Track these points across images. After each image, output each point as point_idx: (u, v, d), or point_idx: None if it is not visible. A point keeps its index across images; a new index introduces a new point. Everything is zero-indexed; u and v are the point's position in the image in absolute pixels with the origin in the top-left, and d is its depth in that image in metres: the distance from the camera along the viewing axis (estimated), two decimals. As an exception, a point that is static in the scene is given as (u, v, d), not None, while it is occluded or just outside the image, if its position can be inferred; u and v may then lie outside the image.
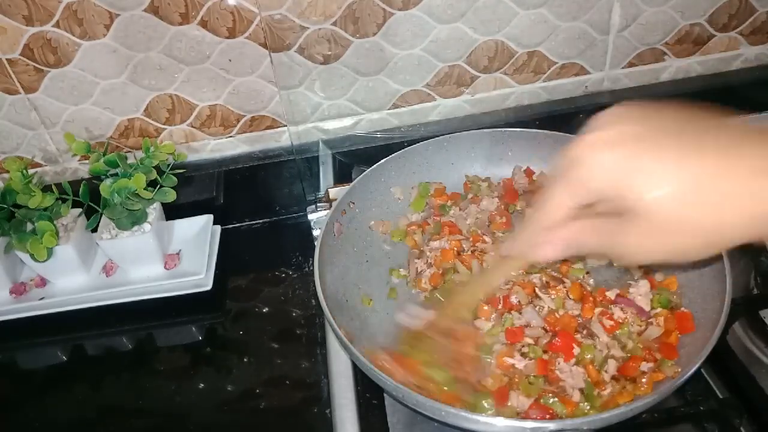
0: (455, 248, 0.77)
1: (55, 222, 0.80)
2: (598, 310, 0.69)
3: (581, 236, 0.44)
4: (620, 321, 0.68)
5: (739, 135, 0.37)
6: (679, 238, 0.38)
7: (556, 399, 0.61)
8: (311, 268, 0.71)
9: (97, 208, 0.83)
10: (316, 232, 0.90)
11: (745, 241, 0.37)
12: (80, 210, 0.85)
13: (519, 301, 0.70)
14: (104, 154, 0.81)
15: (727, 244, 0.38)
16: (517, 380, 0.64)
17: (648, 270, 0.73)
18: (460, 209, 0.84)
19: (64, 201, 0.82)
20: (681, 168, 0.36)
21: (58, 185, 0.81)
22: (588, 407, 0.61)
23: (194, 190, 0.94)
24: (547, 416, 0.60)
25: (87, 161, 0.82)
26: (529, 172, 0.87)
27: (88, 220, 0.84)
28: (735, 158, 0.36)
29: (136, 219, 0.84)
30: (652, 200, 0.37)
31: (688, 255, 0.39)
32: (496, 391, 0.62)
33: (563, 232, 0.44)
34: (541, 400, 0.62)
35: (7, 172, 0.80)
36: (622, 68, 0.95)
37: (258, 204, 0.99)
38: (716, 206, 0.36)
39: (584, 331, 0.67)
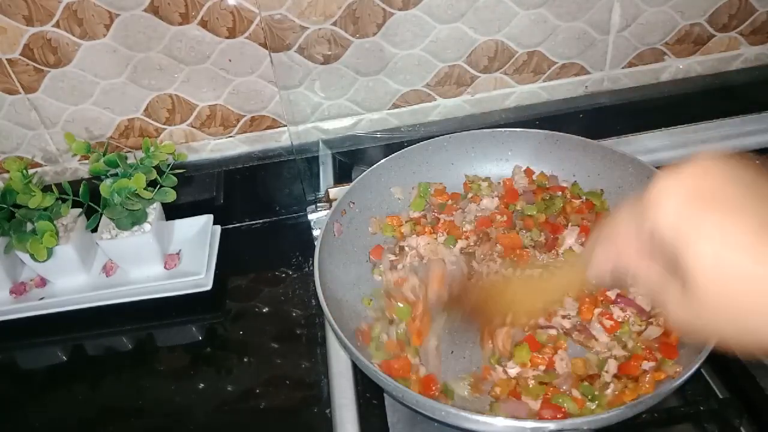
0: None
1: (55, 222, 0.80)
2: (597, 310, 0.69)
3: (637, 276, 0.43)
4: (620, 321, 0.68)
5: None
6: (715, 315, 0.36)
7: (566, 397, 0.62)
8: (311, 268, 0.71)
9: (97, 208, 0.83)
10: (316, 232, 0.90)
11: None
12: (80, 210, 0.85)
13: None
14: (104, 154, 0.81)
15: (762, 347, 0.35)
16: (520, 384, 0.64)
17: None
18: (459, 208, 0.85)
19: (64, 201, 0.82)
20: (742, 247, 0.33)
21: (58, 185, 0.81)
22: (594, 405, 0.61)
23: (194, 190, 0.94)
24: (559, 416, 0.60)
25: (87, 161, 0.82)
26: (529, 172, 0.87)
27: (88, 220, 0.84)
28: None
29: (136, 219, 0.84)
30: (699, 262, 0.35)
31: (724, 339, 0.37)
32: (510, 395, 0.63)
33: (624, 266, 0.43)
34: (551, 400, 0.62)
35: (7, 172, 0.80)
36: (622, 68, 0.95)
37: (258, 204, 0.99)
38: (761, 302, 0.33)
39: (581, 335, 0.67)
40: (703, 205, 0.35)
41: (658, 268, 0.40)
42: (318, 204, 0.92)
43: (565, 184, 0.85)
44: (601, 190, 0.83)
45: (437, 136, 0.86)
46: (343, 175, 0.94)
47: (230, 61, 0.85)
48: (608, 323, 0.67)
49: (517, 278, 0.70)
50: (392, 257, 0.79)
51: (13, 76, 0.82)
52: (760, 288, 0.33)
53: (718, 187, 0.36)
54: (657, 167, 0.77)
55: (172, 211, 0.90)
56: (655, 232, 0.37)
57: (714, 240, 0.34)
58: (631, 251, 0.42)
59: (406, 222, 0.83)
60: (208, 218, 0.93)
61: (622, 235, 0.42)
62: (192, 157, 0.93)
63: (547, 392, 0.63)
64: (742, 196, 0.35)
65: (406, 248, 0.80)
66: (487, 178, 0.87)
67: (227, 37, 0.82)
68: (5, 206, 0.79)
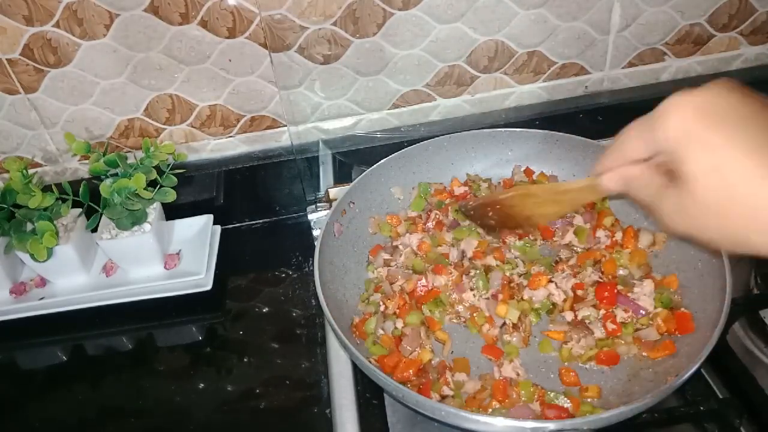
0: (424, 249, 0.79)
1: (55, 222, 0.80)
2: (602, 311, 0.69)
3: (637, 181, 0.45)
4: (623, 323, 0.68)
5: None
6: (706, 223, 0.39)
7: (561, 395, 0.62)
8: (311, 268, 0.71)
9: (97, 208, 0.83)
10: (316, 232, 0.90)
11: None
12: (80, 210, 0.85)
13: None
14: (104, 154, 0.81)
15: (750, 251, 0.38)
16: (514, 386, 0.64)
17: (649, 271, 0.73)
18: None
19: (64, 201, 0.82)
20: (739, 160, 0.36)
21: (58, 185, 0.81)
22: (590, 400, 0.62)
23: (194, 190, 0.94)
24: (564, 415, 0.60)
25: (87, 161, 0.82)
26: (528, 172, 0.87)
27: (88, 220, 0.84)
28: None
29: (136, 219, 0.84)
30: (697, 173, 0.38)
31: (712, 243, 0.40)
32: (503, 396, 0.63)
33: (626, 170, 0.46)
34: (545, 399, 0.62)
35: (7, 172, 0.80)
36: (622, 68, 0.95)
37: (258, 204, 0.99)
38: (752, 212, 0.36)
39: (580, 333, 0.67)
40: (709, 120, 0.38)
41: (659, 177, 0.43)
42: (318, 204, 0.92)
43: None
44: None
45: (437, 136, 0.86)
46: (343, 175, 0.94)
47: (230, 61, 0.85)
48: (611, 326, 0.67)
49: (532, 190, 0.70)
50: (387, 256, 0.79)
51: (13, 76, 0.82)
52: (753, 202, 0.36)
53: (726, 107, 0.38)
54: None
55: (172, 211, 0.90)
56: (662, 141, 0.40)
57: (716, 152, 0.37)
58: (637, 157, 0.45)
59: (404, 221, 0.83)
60: (208, 218, 0.93)
61: (630, 143, 0.44)
62: (192, 157, 0.93)
63: (540, 394, 0.63)
64: (748, 117, 0.38)
65: (400, 247, 0.80)
66: (487, 179, 0.87)
67: (227, 37, 0.82)
68: (5, 206, 0.79)
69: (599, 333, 0.67)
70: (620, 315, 0.68)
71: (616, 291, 0.70)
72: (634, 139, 0.44)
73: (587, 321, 0.69)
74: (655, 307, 0.69)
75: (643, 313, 0.68)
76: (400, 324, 0.71)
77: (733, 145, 0.37)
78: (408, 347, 0.68)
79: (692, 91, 0.39)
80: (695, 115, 0.38)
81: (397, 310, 0.72)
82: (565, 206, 0.63)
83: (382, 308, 0.73)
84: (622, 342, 0.67)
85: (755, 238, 0.37)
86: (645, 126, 0.42)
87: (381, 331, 0.70)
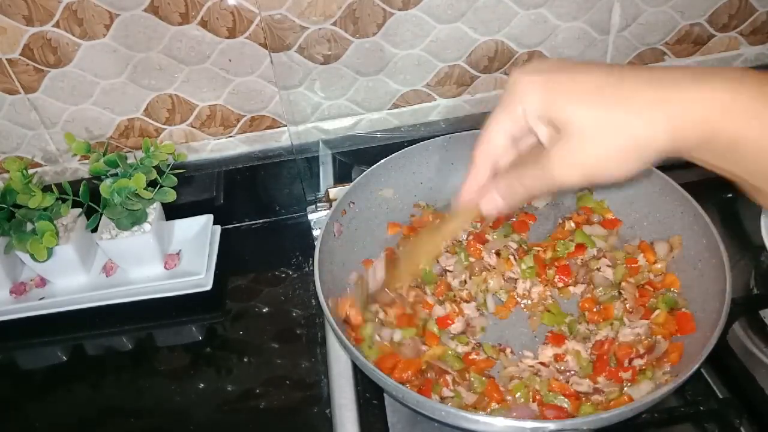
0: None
1: (55, 222, 0.80)
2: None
3: (519, 177, 0.47)
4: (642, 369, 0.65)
5: (649, 69, 0.42)
6: (595, 150, 0.41)
7: (559, 395, 0.62)
8: (311, 268, 0.71)
9: (97, 208, 0.83)
10: (316, 232, 0.90)
11: (660, 155, 0.41)
12: (80, 210, 0.85)
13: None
14: (104, 154, 0.81)
15: (642, 159, 0.41)
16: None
17: (648, 312, 0.70)
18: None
19: (64, 201, 0.82)
20: (597, 87, 0.41)
21: (58, 185, 0.81)
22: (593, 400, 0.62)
23: (194, 190, 0.94)
24: (563, 415, 0.60)
25: (87, 161, 0.82)
26: None
27: (88, 220, 0.84)
28: (647, 82, 0.40)
29: (136, 219, 0.84)
30: (572, 112, 0.41)
31: (608, 169, 0.42)
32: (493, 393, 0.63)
33: (503, 178, 0.48)
34: (544, 400, 0.62)
35: (7, 172, 0.80)
36: (622, 68, 0.95)
37: (258, 204, 0.99)
38: (626, 120, 0.40)
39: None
40: (557, 72, 0.42)
41: (531, 155, 0.46)
42: (318, 204, 0.92)
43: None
44: (589, 190, 0.84)
45: (437, 136, 0.86)
46: (343, 175, 0.94)
47: (230, 61, 0.85)
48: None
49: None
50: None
51: (13, 76, 0.82)
52: (621, 114, 0.40)
53: (560, 66, 0.43)
54: (657, 167, 0.77)
55: (172, 211, 0.90)
56: (532, 121, 0.44)
57: (576, 89, 0.41)
58: (505, 154, 0.48)
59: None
60: (208, 218, 0.93)
61: (497, 143, 0.48)
62: (192, 157, 0.93)
63: (536, 394, 0.63)
64: (580, 66, 0.43)
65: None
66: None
67: (227, 37, 0.82)
68: (5, 206, 0.79)
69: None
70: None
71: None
72: (501, 126, 0.47)
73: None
74: (658, 308, 0.69)
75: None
76: (398, 335, 0.70)
77: (587, 78, 0.41)
78: (407, 353, 0.68)
79: (521, 69, 0.44)
80: (545, 82, 0.42)
81: (395, 320, 0.71)
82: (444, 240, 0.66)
83: (381, 316, 0.72)
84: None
85: (646, 140, 0.40)
86: (506, 108, 0.45)
87: (378, 338, 0.70)
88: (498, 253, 0.77)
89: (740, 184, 0.41)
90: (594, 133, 0.41)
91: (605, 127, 0.40)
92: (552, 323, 0.71)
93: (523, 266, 0.75)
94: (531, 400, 0.63)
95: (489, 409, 0.62)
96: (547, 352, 0.67)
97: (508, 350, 0.69)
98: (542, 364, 0.66)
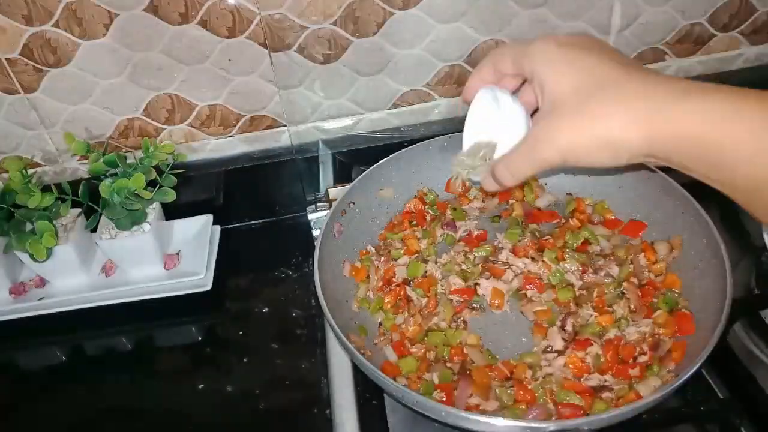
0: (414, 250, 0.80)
1: (54, 222, 0.80)
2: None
3: (510, 159, 0.51)
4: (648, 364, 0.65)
5: (653, 72, 0.44)
6: (572, 135, 0.44)
7: (572, 393, 0.62)
8: (311, 268, 0.71)
9: (97, 208, 0.83)
10: (316, 232, 0.90)
11: (635, 157, 0.44)
12: (80, 210, 0.85)
13: None
14: (104, 154, 0.81)
15: (617, 155, 0.44)
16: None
17: (649, 311, 0.70)
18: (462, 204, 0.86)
19: (63, 201, 0.82)
20: (593, 72, 0.44)
21: (58, 185, 0.81)
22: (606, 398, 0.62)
23: (194, 190, 0.94)
24: (579, 413, 0.60)
25: (86, 161, 0.82)
26: None
27: (87, 220, 0.84)
28: (644, 81, 0.43)
29: (136, 219, 0.84)
30: (564, 88, 0.45)
31: (585, 156, 0.45)
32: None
33: (498, 162, 0.52)
34: (557, 398, 0.62)
35: (7, 171, 0.80)
36: (623, 68, 0.95)
37: (258, 204, 0.98)
38: (609, 112, 0.43)
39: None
40: (568, 49, 0.46)
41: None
42: (318, 204, 0.92)
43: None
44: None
45: (437, 136, 0.86)
46: (343, 175, 0.94)
47: (230, 60, 0.84)
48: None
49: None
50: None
51: (12, 75, 0.82)
52: (606, 106, 0.43)
53: (583, 43, 0.47)
54: (657, 167, 0.77)
55: (171, 211, 0.90)
56: (526, 65, 0.48)
57: (574, 67, 0.45)
58: (505, 71, 0.52)
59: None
60: (208, 218, 0.93)
61: (503, 61, 0.52)
62: (192, 157, 0.93)
63: (552, 394, 0.63)
64: (603, 48, 0.47)
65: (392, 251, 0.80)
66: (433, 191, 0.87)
67: (227, 37, 0.82)
68: (5, 206, 0.79)
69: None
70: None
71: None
72: (507, 58, 0.51)
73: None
74: (659, 308, 0.69)
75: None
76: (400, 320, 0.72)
77: (591, 60, 0.45)
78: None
79: (556, 37, 0.48)
80: (560, 46, 0.46)
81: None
82: None
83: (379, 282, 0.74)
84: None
85: (623, 139, 0.43)
86: (516, 51, 0.50)
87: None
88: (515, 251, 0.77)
89: (734, 197, 0.42)
90: (573, 117, 0.44)
91: (585, 114, 0.43)
92: (565, 298, 0.71)
93: (546, 258, 0.76)
94: (548, 400, 0.63)
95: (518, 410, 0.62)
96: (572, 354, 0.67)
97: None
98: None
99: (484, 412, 0.61)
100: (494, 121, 0.52)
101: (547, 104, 0.47)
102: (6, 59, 0.80)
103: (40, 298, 0.86)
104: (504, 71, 0.52)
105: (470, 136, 0.55)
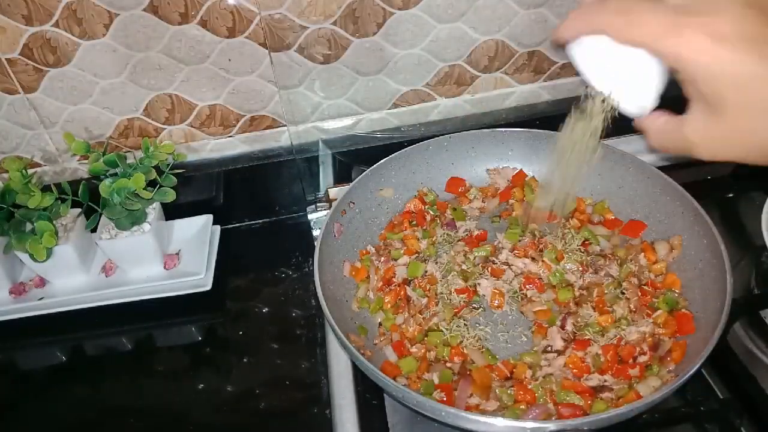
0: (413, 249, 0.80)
1: (54, 222, 0.80)
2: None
3: (665, 134, 0.43)
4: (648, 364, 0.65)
5: None
6: (738, 133, 0.37)
7: (572, 393, 0.62)
8: (311, 268, 0.71)
9: (97, 208, 0.83)
10: (316, 232, 0.90)
11: None
12: (79, 210, 0.85)
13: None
14: (104, 154, 0.81)
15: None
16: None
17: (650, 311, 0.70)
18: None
19: (63, 201, 0.81)
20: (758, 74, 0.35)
21: (58, 185, 0.81)
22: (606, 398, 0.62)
23: (194, 190, 0.94)
24: (578, 413, 0.60)
25: (86, 161, 0.82)
26: (520, 176, 0.87)
27: (87, 220, 0.84)
28: None
29: (136, 219, 0.84)
30: (728, 96, 0.36)
31: (748, 153, 0.38)
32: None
33: (655, 132, 0.44)
34: (557, 399, 0.62)
35: (7, 171, 0.80)
36: (623, 68, 0.95)
37: (258, 204, 0.98)
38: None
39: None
40: (728, 43, 0.35)
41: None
42: (318, 204, 0.92)
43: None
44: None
45: (437, 136, 0.86)
46: (343, 175, 0.94)
47: (230, 60, 0.84)
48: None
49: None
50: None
51: (12, 75, 0.82)
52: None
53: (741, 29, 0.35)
54: (657, 167, 0.77)
55: (171, 211, 0.90)
56: (671, 57, 0.37)
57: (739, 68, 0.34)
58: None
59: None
60: (208, 218, 0.93)
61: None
62: (192, 157, 0.93)
63: (552, 395, 0.63)
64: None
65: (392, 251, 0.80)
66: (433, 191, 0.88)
67: (227, 37, 0.82)
68: (5, 206, 0.79)
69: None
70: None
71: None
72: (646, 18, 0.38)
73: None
74: (659, 308, 0.69)
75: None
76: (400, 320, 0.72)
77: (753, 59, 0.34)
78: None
79: (703, 15, 0.36)
80: (715, 46, 0.35)
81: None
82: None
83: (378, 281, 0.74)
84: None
85: None
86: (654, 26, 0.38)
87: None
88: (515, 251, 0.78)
89: None
90: (746, 97, 0.35)
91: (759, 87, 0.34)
92: (565, 298, 0.71)
93: (546, 258, 0.76)
94: (548, 400, 0.63)
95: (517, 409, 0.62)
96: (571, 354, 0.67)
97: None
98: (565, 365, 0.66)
99: (484, 412, 0.62)
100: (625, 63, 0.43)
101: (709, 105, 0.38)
102: (6, 59, 0.80)
103: (40, 298, 0.86)
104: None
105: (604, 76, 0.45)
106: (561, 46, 0.46)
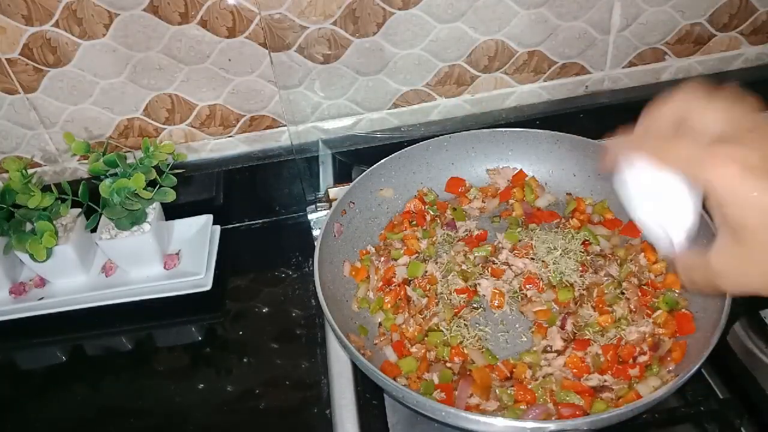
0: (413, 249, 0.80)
1: (54, 222, 0.80)
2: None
3: (691, 270, 0.44)
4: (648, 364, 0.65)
5: None
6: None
7: (572, 393, 0.62)
8: (311, 268, 0.71)
9: (97, 208, 0.83)
10: (316, 232, 0.90)
11: None
12: (80, 210, 0.85)
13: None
14: (104, 154, 0.81)
15: None
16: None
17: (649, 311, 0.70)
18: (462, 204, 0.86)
19: (63, 201, 0.81)
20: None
21: (58, 185, 0.81)
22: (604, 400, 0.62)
23: (194, 190, 0.94)
24: (578, 413, 0.60)
25: (86, 161, 0.82)
26: (520, 176, 0.87)
27: (87, 220, 0.84)
28: None
29: (136, 219, 0.84)
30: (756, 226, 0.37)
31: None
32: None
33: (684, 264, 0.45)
34: (557, 399, 0.62)
35: (7, 171, 0.80)
36: (623, 68, 0.95)
37: (258, 204, 0.98)
38: None
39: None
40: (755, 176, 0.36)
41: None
42: (318, 204, 0.92)
43: (566, 186, 0.86)
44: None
45: (437, 136, 0.86)
46: (343, 175, 0.94)
47: (230, 60, 0.84)
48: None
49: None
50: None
51: (12, 75, 0.82)
52: None
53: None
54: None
55: (171, 211, 0.90)
56: (702, 186, 0.39)
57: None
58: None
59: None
60: (208, 218, 0.93)
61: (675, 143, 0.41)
62: (192, 157, 0.93)
63: (552, 394, 0.63)
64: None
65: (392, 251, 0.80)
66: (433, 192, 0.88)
67: (227, 37, 0.82)
68: (5, 206, 0.79)
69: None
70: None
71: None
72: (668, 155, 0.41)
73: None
74: (659, 308, 0.69)
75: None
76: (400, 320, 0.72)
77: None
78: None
79: (735, 145, 0.37)
80: (743, 174, 0.36)
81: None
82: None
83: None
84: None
85: None
86: (688, 152, 0.39)
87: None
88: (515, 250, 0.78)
89: None
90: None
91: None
92: (565, 298, 0.71)
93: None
94: (548, 399, 0.63)
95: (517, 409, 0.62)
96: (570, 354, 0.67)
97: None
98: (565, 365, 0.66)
99: (484, 412, 0.62)
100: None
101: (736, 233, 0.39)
102: (6, 59, 0.80)
103: (40, 298, 0.86)
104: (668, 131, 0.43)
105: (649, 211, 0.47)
106: (609, 170, 0.48)
